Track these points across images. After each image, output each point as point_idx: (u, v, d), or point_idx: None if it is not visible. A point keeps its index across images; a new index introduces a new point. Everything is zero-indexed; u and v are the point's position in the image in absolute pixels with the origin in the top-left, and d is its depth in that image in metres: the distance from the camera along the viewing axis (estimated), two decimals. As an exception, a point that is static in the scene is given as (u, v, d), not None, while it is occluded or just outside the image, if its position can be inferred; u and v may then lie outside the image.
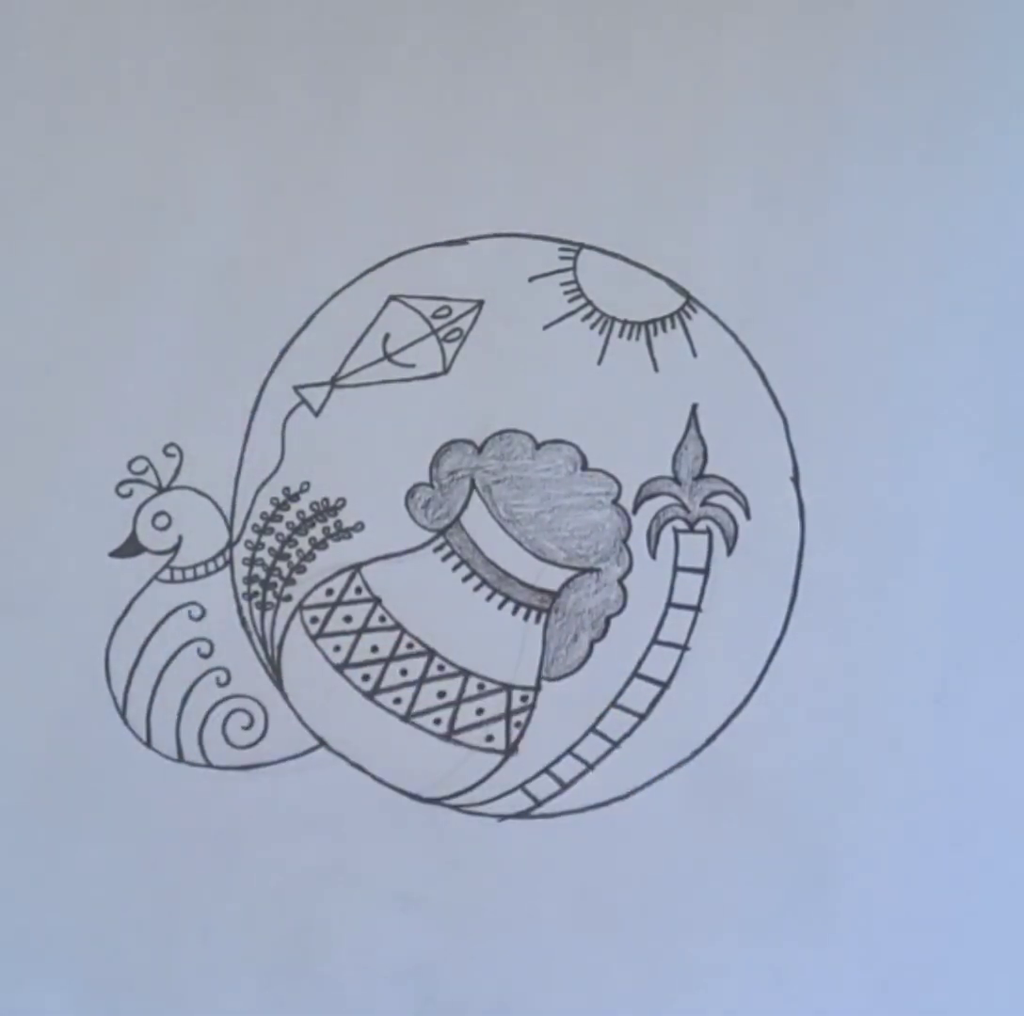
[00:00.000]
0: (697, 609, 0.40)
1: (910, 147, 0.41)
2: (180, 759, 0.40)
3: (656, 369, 0.41)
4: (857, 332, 0.40)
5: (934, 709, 0.39)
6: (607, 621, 0.40)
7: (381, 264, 0.42)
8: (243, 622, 0.40)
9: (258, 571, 0.41)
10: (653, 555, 0.40)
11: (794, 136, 0.41)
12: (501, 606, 0.40)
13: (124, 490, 0.41)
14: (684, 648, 0.39)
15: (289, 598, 0.40)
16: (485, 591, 0.40)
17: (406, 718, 0.40)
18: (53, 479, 0.41)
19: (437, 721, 0.40)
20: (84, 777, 0.40)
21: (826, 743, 0.39)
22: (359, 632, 0.40)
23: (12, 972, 0.40)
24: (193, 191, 0.42)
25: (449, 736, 0.40)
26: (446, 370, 0.41)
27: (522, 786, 0.39)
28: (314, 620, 0.40)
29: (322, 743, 0.40)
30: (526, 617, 0.40)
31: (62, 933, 0.40)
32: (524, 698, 0.40)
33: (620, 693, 0.39)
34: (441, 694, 0.40)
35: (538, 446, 0.41)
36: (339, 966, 0.39)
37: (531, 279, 0.41)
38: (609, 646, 0.40)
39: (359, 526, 0.41)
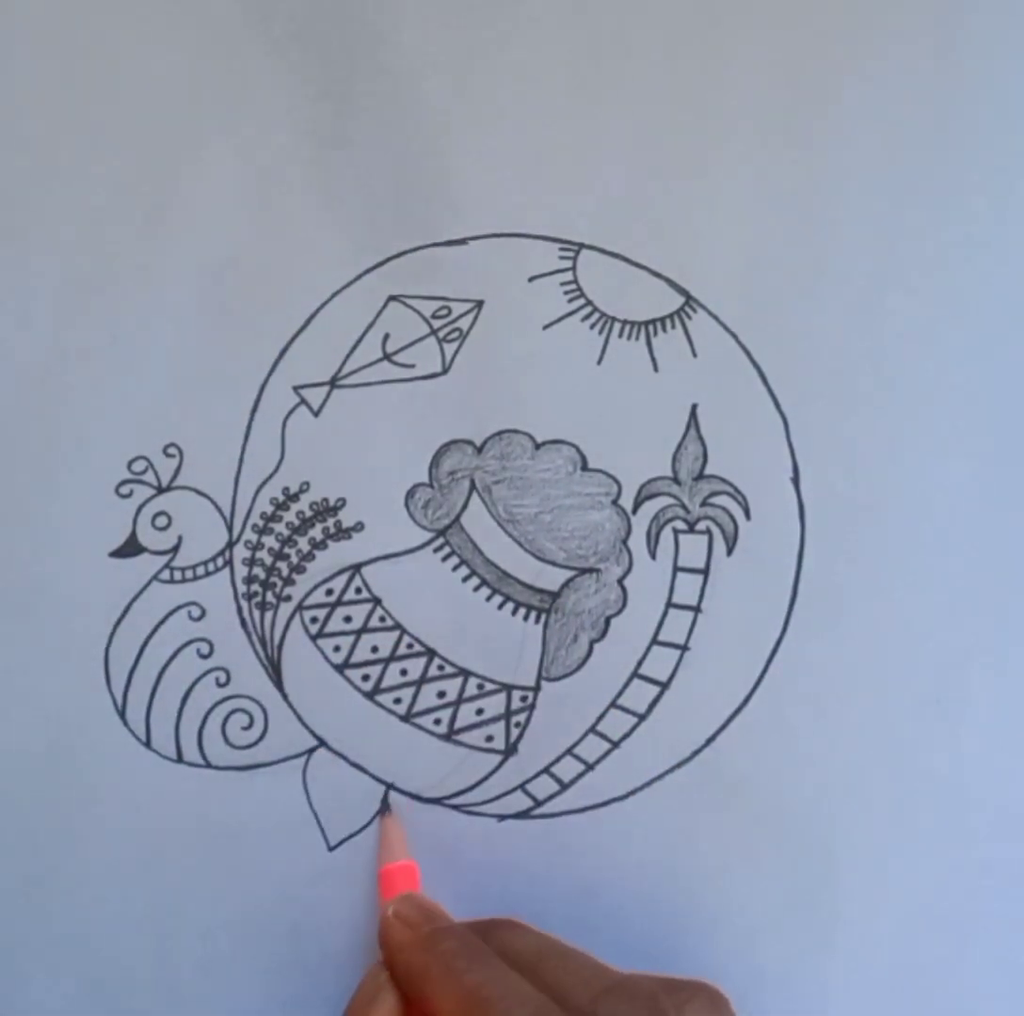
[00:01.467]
0: (697, 609, 0.40)
1: (911, 147, 0.41)
2: (179, 760, 0.40)
3: (656, 369, 0.41)
4: (857, 332, 0.40)
5: (934, 709, 0.39)
6: (607, 621, 0.40)
7: (380, 264, 0.42)
8: (243, 622, 0.40)
9: (258, 571, 0.41)
10: (653, 555, 0.40)
11: (794, 136, 0.41)
12: (501, 606, 0.40)
13: (124, 490, 0.41)
14: (684, 648, 0.40)
15: (289, 598, 0.40)
16: (485, 591, 0.40)
17: (406, 718, 0.40)
18: (53, 479, 0.41)
19: (437, 721, 0.40)
20: (83, 778, 0.40)
21: (826, 743, 0.39)
22: (359, 632, 0.40)
23: (12, 972, 0.40)
24: (192, 190, 0.42)
25: (449, 736, 0.40)
26: (446, 370, 0.41)
27: (522, 786, 0.39)
28: (314, 620, 0.40)
29: (322, 743, 0.40)
30: (526, 617, 0.40)
31: (62, 933, 0.40)
32: (524, 698, 0.40)
33: (620, 693, 0.39)
34: (441, 694, 0.40)
35: (538, 446, 0.41)
36: (339, 966, 0.39)
37: (531, 279, 0.41)
38: (609, 646, 0.40)
39: (359, 526, 0.41)
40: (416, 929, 0.34)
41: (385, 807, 0.39)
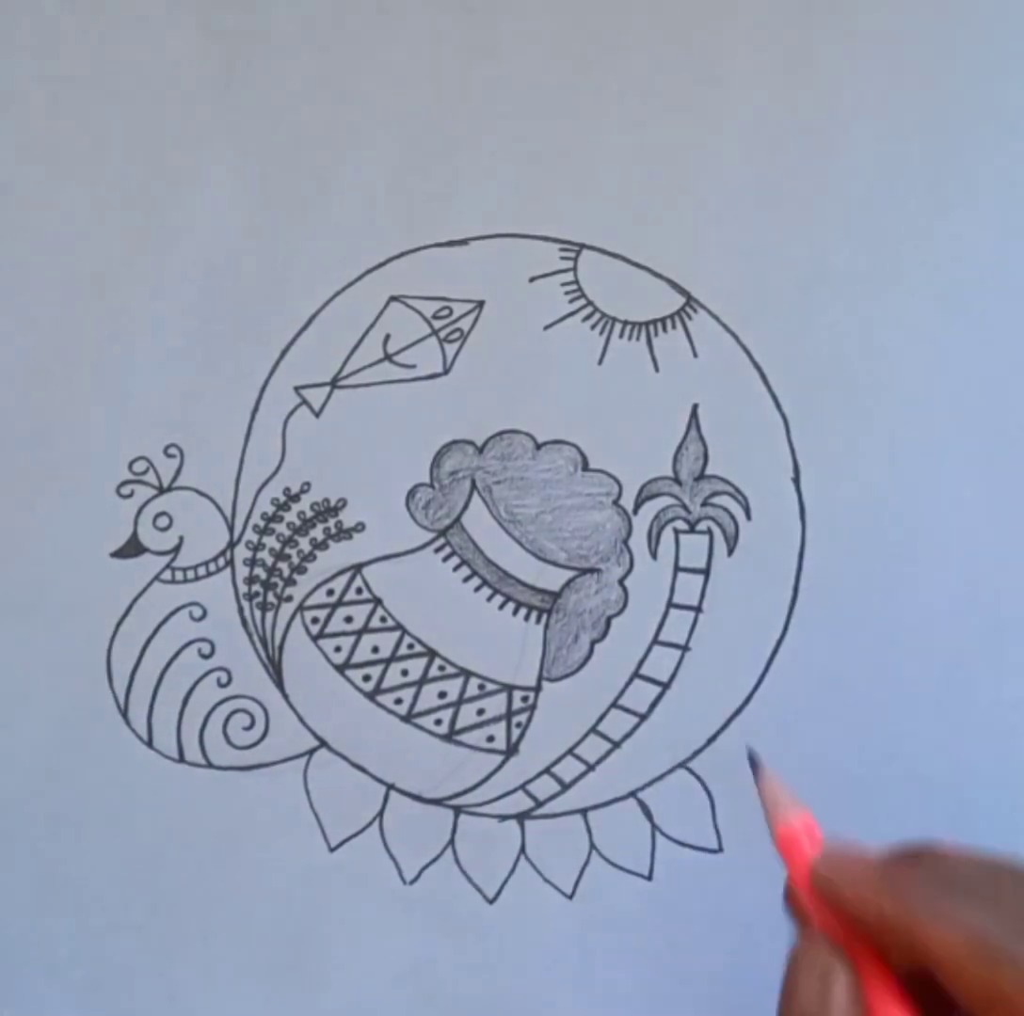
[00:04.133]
0: (698, 609, 0.40)
1: (911, 147, 0.41)
2: (181, 759, 0.40)
3: (657, 369, 0.41)
4: (857, 332, 0.40)
5: (935, 710, 0.39)
6: (608, 621, 0.40)
7: (381, 264, 0.42)
8: (244, 623, 0.40)
9: (259, 572, 0.41)
10: (654, 555, 0.40)
11: (794, 136, 0.41)
12: (502, 607, 0.40)
13: (125, 491, 0.41)
14: (685, 648, 0.40)
15: (290, 599, 0.40)
16: (486, 592, 0.40)
17: (407, 719, 0.40)
18: (54, 480, 0.41)
19: (438, 721, 0.40)
20: (86, 777, 0.40)
21: (826, 743, 0.39)
22: (360, 633, 0.40)
23: (12, 972, 0.40)
24: (193, 191, 0.42)
25: (450, 737, 0.40)
26: (447, 371, 0.41)
27: (523, 786, 0.39)
28: (315, 621, 0.40)
29: (323, 743, 0.40)
30: (527, 617, 0.40)
31: (62, 933, 0.40)
32: (525, 698, 0.40)
33: (621, 693, 0.39)
34: (442, 695, 0.40)
35: (539, 446, 0.41)
36: (339, 966, 0.39)
37: (532, 279, 0.41)
38: (610, 646, 0.40)
39: (360, 527, 0.41)
40: (864, 880, 0.31)
41: (757, 766, 0.38)
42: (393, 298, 0.42)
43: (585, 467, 0.40)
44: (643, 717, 0.39)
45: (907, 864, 0.31)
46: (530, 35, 0.42)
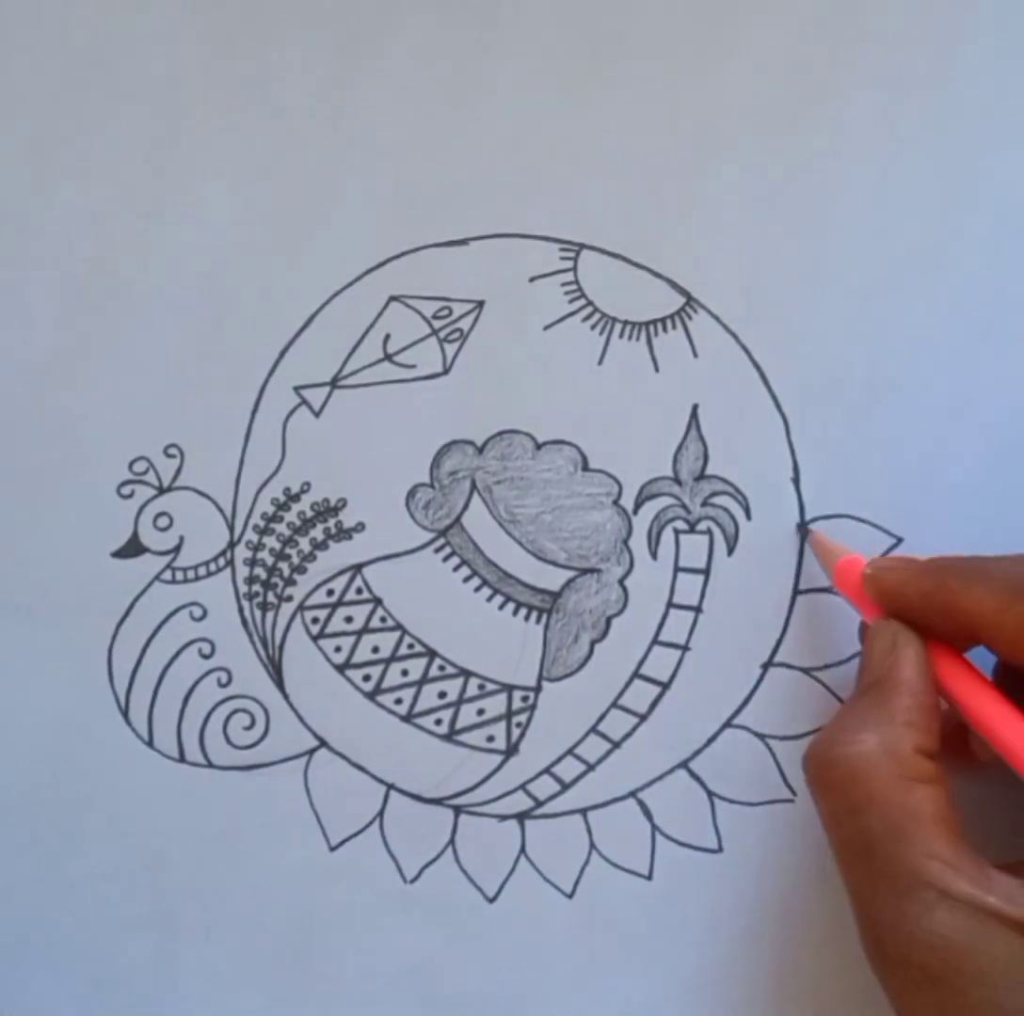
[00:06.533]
0: (698, 609, 0.40)
1: (911, 147, 0.41)
2: (182, 759, 0.40)
3: (657, 370, 0.41)
4: (857, 333, 0.41)
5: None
6: (608, 621, 0.40)
7: (381, 264, 0.42)
8: (244, 622, 0.40)
9: (259, 571, 0.41)
10: (654, 556, 0.40)
11: (794, 136, 0.41)
12: (502, 607, 0.40)
13: (125, 491, 0.41)
14: (685, 648, 0.40)
15: (290, 599, 0.40)
16: (486, 592, 0.40)
17: (407, 718, 0.40)
18: (54, 480, 0.41)
19: (438, 721, 0.40)
20: (86, 777, 0.40)
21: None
22: (360, 633, 0.40)
23: (13, 972, 0.40)
24: (192, 190, 0.42)
25: (450, 736, 0.40)
26: (447, 370, 0.41)
27: (523, 786, 0.39)
28: (315, 621, 0.40)
29: (323, 743, 0.40)
30: (527, 618, 0.40)
31: (62, 933, 0.40)
32: (525, 698, 0.40)
33: (621, 693, 0.39)
34: (442, 695, 0.40)
35: (539, 446, 0.41)
36: (339, 966, 0.39)
37: (531, 279, 0.41)
38: (610, 646, 0.40)
39: (360, 527, 0.41)
40: (906, 569, 0.32)
41: (806, 530, 0.38)
42: (393, 298, 0.42)
43: (585, 467, 0.40)
44: (643, 717, 0.39)
45: (950, 558, 0.32)
46: (531, 35, 0.42)
